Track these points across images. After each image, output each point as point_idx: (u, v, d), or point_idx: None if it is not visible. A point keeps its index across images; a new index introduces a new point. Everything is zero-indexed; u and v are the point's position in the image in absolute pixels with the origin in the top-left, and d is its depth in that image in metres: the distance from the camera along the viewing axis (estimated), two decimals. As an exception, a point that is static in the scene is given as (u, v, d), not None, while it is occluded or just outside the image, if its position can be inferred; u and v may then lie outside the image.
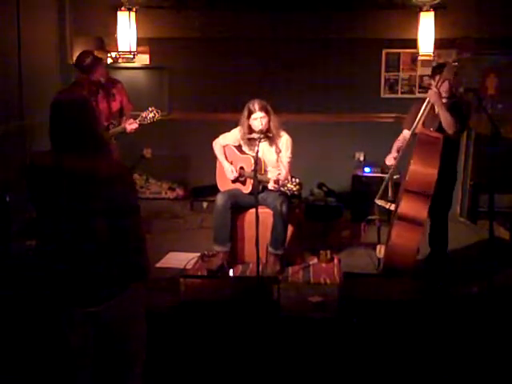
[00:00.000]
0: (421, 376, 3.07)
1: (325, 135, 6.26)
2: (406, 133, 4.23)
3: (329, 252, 4.53)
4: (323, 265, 4.45)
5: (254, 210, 3.61)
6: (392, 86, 6.39)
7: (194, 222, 5.58)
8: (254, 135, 4.14)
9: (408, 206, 3.84)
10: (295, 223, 4.51)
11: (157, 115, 4.60)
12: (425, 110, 4.02)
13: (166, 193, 6.55)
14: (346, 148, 6.29)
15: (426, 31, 5.44)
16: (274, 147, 4.35)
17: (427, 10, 5.43)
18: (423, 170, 3.82)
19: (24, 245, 4.11)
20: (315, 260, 4.53)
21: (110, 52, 6.39)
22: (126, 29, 5.53)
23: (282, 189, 3.98)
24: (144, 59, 6.63)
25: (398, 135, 4.36)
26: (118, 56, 5.81)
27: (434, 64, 4.42)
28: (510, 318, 3.42)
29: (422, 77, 6.28)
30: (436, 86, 3.99)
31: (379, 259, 4.22)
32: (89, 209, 2.17)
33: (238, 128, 4.43)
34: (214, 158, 4.60)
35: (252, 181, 4.28)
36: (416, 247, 3.87)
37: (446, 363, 3.12)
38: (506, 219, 5.06)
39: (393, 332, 3.20)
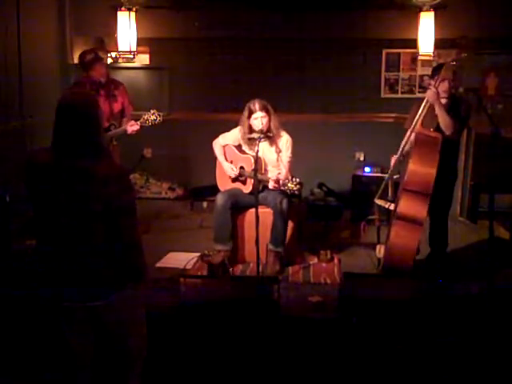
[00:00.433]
0: (421, 376, 3.07)
1: (325, 135, 6.26)
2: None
3: (329, 252, 4.53)
4: (323, 265, 4.45)
5: (254, 210, 3.61)
6: (392, 86, 6.39)
7: (194, 222, 5.58)
8: (255, 135, 4.15)
9: (407, 206, 3.85)
10: (295, 223, 4.50)
11: (158, 118, 4.59)
12: (423, 109, 4.02)
13: (166, 193, 6.55)
14: (346, 148, 6.29)
15: (426, 31, 5.44)
16: (274, 147, 4.35)
17: (427, 10, 5.43)
18: (422, 170, 3.82)
19: (24, 244, 4.10)
20: (315, 260, 4.53)
21: (109, 52, 6.39)
22: (126, 29, 5.53)
23: (282, 188, 3.99)
24: (144, 59, 6.63)
25: (398, 135, 4.35)
26: (117, 56, 5.80)
27: (435, 64, 4.41)
28: (510, 318, 3.42)
29: (422, 77, 6.29)
30: (434, 86, 3.99)
31: (379, 259, 4.22)
32: (85, 208, 2.17)
33: (238, 128, 4.44)
34: (214, 157, 4.60)
35: (252, 180, 4.28)
36: (415, 246, 3.87)
37: (446, 363, 3.12)
38: (506, 219, 5.06)
39: (393, 332, 3.20)
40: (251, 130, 4.29)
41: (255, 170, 3.92)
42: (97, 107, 2.28)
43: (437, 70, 4.09)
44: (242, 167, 4.45)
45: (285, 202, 4.22)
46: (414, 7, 5.55)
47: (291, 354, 3.21)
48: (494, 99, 5.95)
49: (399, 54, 6.32)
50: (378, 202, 4.29)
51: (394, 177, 4.34)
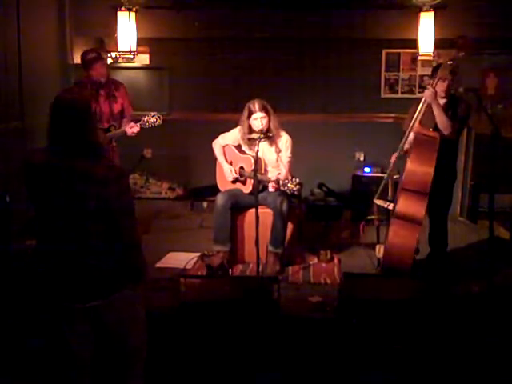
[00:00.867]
0: (421, 375, 3.07)
1: (325, 135, 6.26)
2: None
3: (329, 252, 4.53)
4: (323, 265, 4.45)
5: (254, 210, 3.61)
6: (392, 86, 6.39)
7: (194, 222, 5.58)
8: (254, 135, 4.15)
9: (405, 205, 3.85)
10: (295, 223, 4.51)
11: (158, 120, 4.58)
12: (421, 109, 4.02)
13: (166, 193, 6.55)
14: (346, 148, 6.29)
15: (426, 31, 5.44)
16: (273, 147, 4.36)
17: (427, 10, 5.43)
18: (420, 169, 3.83)
19: (24, 245, 4.10)
20: (315, 260, 4.54)
21: (110, 52, 6.39)
22: (126, 29, 5.53)
23: (282, 188, 3.98)
24: (144, 59, 6.63)
25: (398, 135, 4.34)
26: (117, 56, 5.81)
27: (434, 64, 4.41)
28: (510, 318, 3.42)
29: (422, 77, 6.29)
30: (432, 86, 3.99)
31: (379, 259, 4.23)
32: (84, 209, 2.17)
33: (238, 128, 4.44)
34: (214, 158, 4.60)
35: (252, 181, 4.28)
36: (414, 246, 3.87)
37: (446, 363, 3.12)
38: (506, 219, 5.06)
39: (392, 332, 3.19)
40: (251, 130, 4.29)
41: (255, 171, 3.92)
42: (88, 107, 2.28)
43: (436, 70, 4.09)
44: (241, 167, 4.45)
45: (285, 203, 4.22)
46: (413, 7, 5.55)
47: (291, 354, 3.21)
48: (494, 99, 5.96)
49: (399, 53, 6.33)
50: (378, 201, 4.29)
51: (394, 177, 4.34)
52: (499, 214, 4.96)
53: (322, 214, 5.77)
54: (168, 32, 6.21)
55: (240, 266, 4.43)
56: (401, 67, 6.35)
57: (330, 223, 5.59)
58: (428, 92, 3.96)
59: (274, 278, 3.68)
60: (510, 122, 5.52)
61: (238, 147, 4.51)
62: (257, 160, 3.94)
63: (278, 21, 6.07)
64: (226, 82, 6.33)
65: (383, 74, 6.38)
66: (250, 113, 4.25)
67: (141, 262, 2.32)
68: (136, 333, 2.44)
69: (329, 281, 4.11)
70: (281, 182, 4.00)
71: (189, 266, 4.35)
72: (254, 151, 3.96)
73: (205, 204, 5.97)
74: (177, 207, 6.21)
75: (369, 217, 4.62)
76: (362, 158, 6.33)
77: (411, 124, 4.06)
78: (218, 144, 4.57)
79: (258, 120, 4.22)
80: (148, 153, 6.49)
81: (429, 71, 4.83)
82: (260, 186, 4.18)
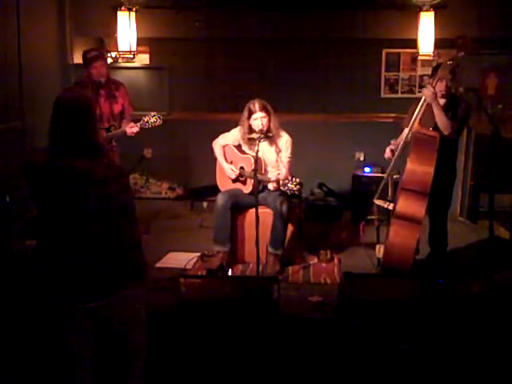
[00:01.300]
0: (421, 376, 3.07)
1: (325, 135, 6.26)
2: (406, 131, 4.23)
3: (329, 252, 4.53)
4: (323, 265, 4.45)
5: (254, 210, 3.61)
6: (392, 86, 6.40)
7: (193, 222, 5.57)
8: (254, 135, 4.15)
9: (405, 205, 3.85)
10: (295, 223, 4.51)
11: (158, 121, 4.58)
12: (421, 108, 4.02)
13: (166, 193, 6.55)
14: (346, 148, 6.29)
15: (426, 31, 5.44)
16: (273, 147, 4.36)
17: (427, 10, 5.43)
18: (420, 169, 3.83)
19: (24, 245, 4.10)
20: (315, 260, 4.53)
21: (110, 52, 6.39)
22: (126, 29, 5.53)
23: (282, 188, 3.99)
24: (144, 59, 6.63)
25: (398, 135, 4.36)
26: (117, 56, 5.81)
27: (435, 64, 4.41)
28: (510, 318, 3.42)
29: (422, 77, 6.29)
30: (432, 85, 3.99)
31: (379, 259, 4.22)
32: (84, 208, 2.17)
33: (238, 128, 4.43)
34: (214, 158, 4.59)
35: (252, 181, 4.28)
36: (414, 246, 3.87)
37: (446, 363, 3.12)
38: (506, 219, 5.05)
39: (393, 332, 3.19)
40: (251, 130, 4.29)
41: (255, 170, 3.92)
42: (90, 106, 2.28)
43: (436, 70, 4.09)
44: (241, 167, 4.45)
45: (285, 204, 4.22)
46: (414, 7, 5.55)
47: (291, 354, 3.21)
48: (493, 99, 5.95)
49: (399, 53, 6.33)
50: (377, 202, 4.29)
51: (394, 176, 4.34)
52: (499, 213, 4.96)
53: (322, 214, 5.77)
54: (168, 32, 6.21)
55: (240, 266, 4.43)
56: (401, 67, 6.36)
57: (330, 223, 5.59)
58: (428, 92, 3.96)
59: (274, 278, 3.67)
60: (510, 121, 5.51)
61: (238, 147, 4.51)
62: (257, 160, 3.95)
63: (278, 21, 6.07)
64: (226, 82, 6.33)
65: (383, 74, 6.38)
66: (250, 113, 4.25)
67: (141, 261, 2.32)
68: (136, 333, 2.44)
69: (329, 281, 4.11)
70: (281, 182, 4.00)
71: (189, 266, 4.35)
72: (254, 151, 3.96)
73: (205, 204, 5.97)
74: (177, 207, 6.21)
75: (369, 217, 4.62)
76: (362, 158, 6.33)
77: (411, 124, 4.06)
78: (218, 144, 4.56)
79: (258, 120, 4.22)
80: (148, 153, 6.49)
81: (429, 71, 4.84)
82: (260, 186, 4.18)
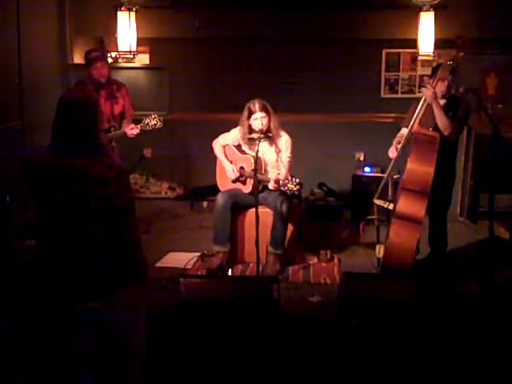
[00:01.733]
0: (421, 375, 3.07)
1: (325, 135, 6.25)
2: (404, 131, 4.23)
3: (329, 252, 4.53)
4: (323, 264, 4.46)
5: (254, 210, 3.61)
6: (392, 86, 6.40)
7: (193, 222, 5.57)
8: (254, 135, 4.15)
9: (406, 205, 3.85)
10: (295, 223, 4.51)
11: (159, 123, 4.58)
12: (421, 108, 4.03)
13: (166, 193, 6.55)
14: (346, 148, 6.28)
15: (426, 31, 5.44)
16: (273, 147, 4.36)
17: (427, 10, 5.43)
18: (420, 169, 3.83)
19: (24, 245, 4.10)
20: (315, 260, 4.54)
21: (109, 52, 6.39)
22: (126, 29, 5.53)
23: (282, 188, 3.99)
24: (144, 59, 6.63)
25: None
26: (117, 56, 5.81)
27: (435, 64, 4.41)
28: (510, 318, 3.42)
29: (422, 77, 6.29)
30: (432, 86, 3.99)
31: (378, 259, 4.23)
32: (84, 208, 2.17)
33: (238, 128, 4.44)
34: (214, 157, 4.60)
35: (252, 180, 4.28)
36: (414, 246, 3.87)
37: (446, 363, 3.12)
38: (506, 219, 5.06)
39: (393, 332, 3.19)
40: (251, 130, 4.29)
41: (255, 170, 3.92)
42: (97, 106, 2.29)
43: (436, 70, 4.09)
44: (241, 167, 4.45)
45: (285, 204, 4.22)
46: (414, 7, 5.55)
47: (291, 354, 3.21)
48: (494, 99, 5.95)
49: (399, 53, 6.33)
50: (377, 202, 4.29)
51: (394, 176, 4.34)
52: (499, 214, 4.97)
53: (322, 214, 5.77)
54: (168, 32, 6.21)
55: (240, 266, 4.43)
56: (401, 67, 6.35)
57: (330, 223, 5.59)
58: (428, 92, 3.96)
59: (274, 278, 3.68)
60: (510, 122, 5.52)
61: (238, 147, 4.51)
62: (257, 160, 3.95)
63: (278, 21, 6.07)
64: (226, 82, 6.33)
65: (383, 74, 6.38)
66: (250, 113, 4.25)
67: (141, 261, 2.32)
68: (136, 333, 2.44)
69: (329, 281, 4.11)
70: (281, 182, 4.00)
71: (189, 266, 4.35)
72: (254, 151, 3.96)
73: (205, 204, 5.97)
74: (177, 207, 6.21)
75: (369, 217, 4.62)
76: (362, 158, 6.33)
77: (411, 124, 4.06)
78: (218, 144, 4.57)
79: (258, 120, 4.22)
80: (148, 153, 6.49)
81: (429, 71, 4.83)
82: (260, 186, 4.18)
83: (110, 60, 6.43)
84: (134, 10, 5.55)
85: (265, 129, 4.23)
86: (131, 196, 2.31)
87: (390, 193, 4.31)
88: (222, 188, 4.56)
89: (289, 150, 4.36)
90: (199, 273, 4.22)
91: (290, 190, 3.94)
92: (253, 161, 4.15)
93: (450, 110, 4.04)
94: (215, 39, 6.26)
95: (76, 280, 2.23)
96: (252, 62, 6.35)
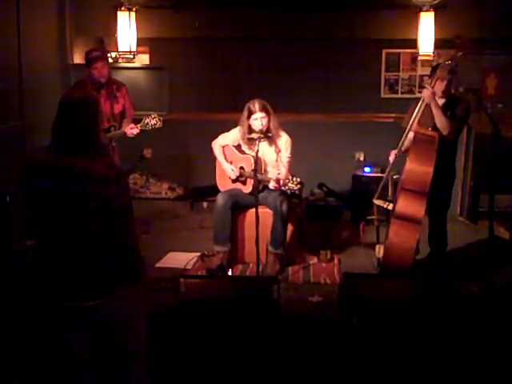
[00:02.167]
0: (420, 375, 3.07)
1: (325, 135, 6.26)
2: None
3: (329, 252, 4.53)
4: (323, 265, 4.46)
5: (254, 210, 3.61)
6: (392, 86, 6.40)
7: (193, 222, 5.57)
8: (254, 135, 4.14)
9: (405, 205, 3.85)
10: (295, 223, 4.51)
11: (159, 123, 4.58)
12: (420, 108, 4.02)
13: (166, 193, 6.55)
14: (346, 148, 6.29)
15: (426, 31, 5.44)
16: (273, 147, 4.36)
17: (427, 10, 5.43)
18: (419, 169, 3.83)
19: (24, 245, 4.10)
20: (315, 260, 4.54)
21: (110, 52, 6.39)
22: (126, 29, 5.53)
23: (283, 188, 3.99)
24: (144, 59, 6.64)
25: (398, 135, 4.34)
26: (117, 56, 5.81)
27: (434, 64, 4.42)
28: (510, 318, 3.42)
29: (422, 77, 6.29)
30: (431, 86, 3.99)
31: (378, 259, 4.22)
32: (84, 208, 2.17)
33: (238, 128, 4.43)
34: (214, 157, 4.59)
35: (252, 180, 4.28)
36: (414, 246, 3.87)
37: (446, 362, 3.12)
38: (506, 219, 5.06)
39: (393, 332, 3.19)
40: (251, 130, 4.29)
41: (255, 170, 3.92)
42: (97, 106, 2.29)
43: (435, 70, 4.09)
44: (241, 167, 4.45)
45: (285, 204, 4.22)
46: (413, 7, 5.55)
47: (291, 354, 3.21)
48: (493, 99, 5.95)
49: (399, 53, 6.34)
50: (377, 202, 4.29)
51: (394, 177, 4.34)
52: (499, 214, 4.97)
53: (322, 214, 5.77)
54: (168, 32, 6.22)
55: (240, 266, 4.43)
56: (401, 67, 6.36)
57: (330, 223, 5.59)
58: (427, 92, 3.96)
59: (274, 278, 3.68)
60: (510, 121, 5.51)
61: (238, 147, 4.51)
62: (257, 160, 3.95)
63: (277, 21, 6.07)
64: (226, 82, 6.33)
65: (383, 74, 6.39)
66: (250, 113, 4.25)
67: (138, 262, 2.32)
68: (136, 333, 2.44)
69: (329, 281, 4.11)
70: (281, 182, 4.00)
71: (189, 266, 4.35)
72: (254, 151, 3.96)
73: (205, 204, 5.97)
74: (177, 207, 6.21)
75: (368, 217, 4.62)
76: (362, 158, 6.33)
77: (410, 124, 4.06)
78: (217, 144, 4.56)
79: (258, 120, 4.22)
80: (148, 153, 6.49)
81: (429, 71, 4.83)
82: (260, 186, 4.18)
83: (110, 60, 6.45)
84: (134, 10, 5.55)
85: (265, 129, 4.23)
86: (129, 196, 2.31)
87: (390, 193, 4.31)
88: (221, 188, 4.56)
89: (288, 150, 4.36)
90: (199, 273, 4.22)
91: (290, 190, 3.93)
92: (253, 161, 4.15)
93: (448, 110, 4.04)
94: (215, 39, 6.27)
95: (75, 280, 2.23)
96: (252, 62, 6.35)
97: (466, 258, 4.64)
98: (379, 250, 4.20)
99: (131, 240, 2.28)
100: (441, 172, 3.90)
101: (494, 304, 3.55)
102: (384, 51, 6.32)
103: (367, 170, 5.93)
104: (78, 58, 6.09)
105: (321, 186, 6.19)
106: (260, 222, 3.57)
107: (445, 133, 3.96)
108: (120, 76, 5.81)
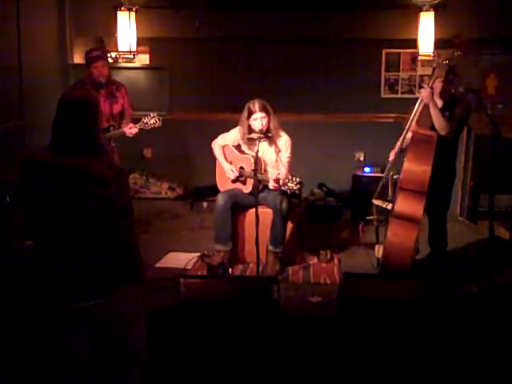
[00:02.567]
0: (420, 376, 3.07)
1: (325, 135, 6.25)
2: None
3: (329, 252, 4.53)
4: (323, 265, 4.45)
5: (254, 210, 3.61)
6: (392, 86, 6.40)
7: (193, 222, 5.58)
8: (254, 135, 4.14)
9: (404, 204, 3.85)
10: (295, 223, 4.51)
11: (158, 122, 4.58)
12: (418, 108, 4.02)
13: (166, 193, 6.55)
14: (346, 148, 6.29)
15: (426, 31, 5.44)
16: (273, 147, 4.36)
17: (427, 10, 5.43)
18: (417, 168, 3.83)
19: (24, 245, 4.10)
20: (315, 260, 4.53)
21: (110, 52, 6.39)
22: (126, 29, 5.53)
23: (283, 188, 3.99)
24: (144, 59, 6.63)
25: (398, 135, 4.35)
26: (117, 56, 5.81)
27: (434, 64, 4.42)
28: (510, 318, 3.42)
29: (422, 77, 6.29)
30: (429, 85, 3.99)
31: (378, 259, 4.22)
32: (84, 207, 2.17)
33: (238, 128, 4.43)
34: (214, 157, 4.59)
35: (252, 180, 4.28)
36: (413, 245, 3.86)
37: (446, 363, 3.12)
38: (506, 219, 5.06)
39: (393, 332, 3.20)
40: (251, 130, 4.29)
41: (255, 170, 3.92)
42: (97, 106, 2.29)
43: (434, 70, 4.09)
44: (241, 167, 4.45)
45: (285, 202, 4.22)
46: (413, 7, 5.56)
47: (291, 354, 3.21)
48: (493, 99, 5.95)
49: (399, 53, 6.33)
50: (376, 202, 4.29)
51: (394, 176, 4.34)
52: (499, 214, 4.97)
53: (322, 214, 5.77)
54: (168, 32, 6.22)
55: (240, 266, 4.43)
56: (401, 67, 6.36)
57: (330, 223, 5.59)
58: (425, 92, 3.96)
59: (274, 278, 3.68)
60: (510, 121, 5.52)
61: (238, 147, 4.51)
62: (257, 160, 3.95)
63: (278, 21, 6.07)
64: (226, 82, 6.33)
65: (383, 74, 6.38)
66: (250, 113, 4.25)
67: (138, 262, 2.32)
68: (136, 333, 2.44)
69: (329, 281, 4.11)
70: (281, 182, 4.00)
71: (189, 266, 4.35)
72: (254, 151, 3.96)
73: (205, 204, 5.97)
74: (177, 207, 6.21)
75: (368, 217, 4.62)
76: (362, 158, 6.33)
77: (408, 124, 4.06)
78: (217, 144, 4.56)
79: (258, 120, 4.22)
80: (148, 153, 6.49)
81: (429, 71, 4.84)
82: (260, 186, 4.18)
83: (110, 60, 6.45)
84: (134, 9, 5.55)
85: (264, 129, 4.23)
86: (129, 196, 2.31)
87: (389, 193, 4.31)
88: (221, 188, 4.56)
89: (288, 150, 4.36)
90: (199, 273, 4.22)
91: (290, 190, 3.94)
92: (253, 161, 4.15)
93: (447, 110, 4.04)
94: (215, 39, 6.27)
95: (75, 280, 2.23)
96: (252, 62, 6.35)
97: (465, 258, 4.64)
98: (379, 250, 4.20)
99: (131, 240, 2.28)
100: (441, 172, 3.90)
101: (494, 304, 3.55)
102: (384, 51, 6.32)
103: (367, 169, 5.93)
104: (78, 58, 6.08)
105: (321, 186, 6.19)
106: (260, 221, 3.57)
107: (443, 133, 3.95)
108: (120, 76, 5.82)
